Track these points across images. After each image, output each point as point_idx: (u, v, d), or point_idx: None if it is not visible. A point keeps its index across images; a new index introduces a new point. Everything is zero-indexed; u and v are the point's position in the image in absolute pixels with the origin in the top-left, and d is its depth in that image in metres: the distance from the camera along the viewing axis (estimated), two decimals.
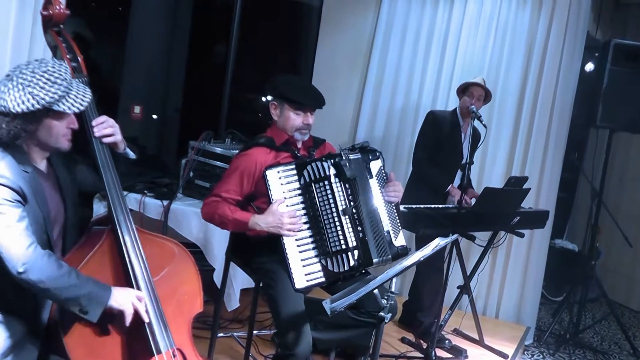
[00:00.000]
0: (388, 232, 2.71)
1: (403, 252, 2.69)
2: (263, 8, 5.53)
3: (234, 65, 4.78)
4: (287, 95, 2.79)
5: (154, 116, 6.06)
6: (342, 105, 5.04)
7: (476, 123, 3.62)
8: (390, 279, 1.99)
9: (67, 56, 2.11)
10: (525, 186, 3.82)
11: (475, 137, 3.68)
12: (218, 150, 3.94)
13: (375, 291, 2.07)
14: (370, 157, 2.77)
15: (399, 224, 2.77)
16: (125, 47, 5.82)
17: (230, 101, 4.85)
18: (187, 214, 3.75)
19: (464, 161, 3.58)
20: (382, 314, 2.11)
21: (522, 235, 3.82)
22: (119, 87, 5.82)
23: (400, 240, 2.73)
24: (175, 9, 6.09)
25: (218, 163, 3.89)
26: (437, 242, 2.07)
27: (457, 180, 3.89)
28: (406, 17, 4.85)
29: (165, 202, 3.77)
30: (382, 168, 2.81)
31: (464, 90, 3.96)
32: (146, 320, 2.04)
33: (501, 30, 4.55)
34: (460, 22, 4.66)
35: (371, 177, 2.75)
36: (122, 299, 1.97)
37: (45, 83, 1.86)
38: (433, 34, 4.74)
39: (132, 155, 2.28)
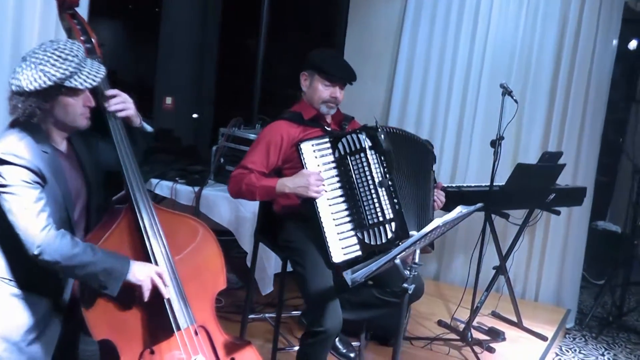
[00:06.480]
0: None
1: None
2: None
3: (264, 55, 4.79)
4: (317, 64, 2.77)
5: (195, 115, 6.16)
6: (373, 90, 4.99)
7: (507, 99, 3.53)
8: (410, 247, 1.95)
9: (81, 38, 2.14)
10: (562, 164, 3.72)
11: None
12: (247, 136, 3.95)
13: (398, 262, 2.04)
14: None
15: None
16: (158, 43, 5.93)
17: (262, 92, 4.86)
18: (218, 199, 3.78)
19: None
20: (405, 285, 2.07)
21: (558, 213, 3.72)
22: (154, 82, 5.93)
23: None
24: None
25: (248, 148, 3.89)
26: (460, 210, 2.02)
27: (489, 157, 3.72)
28: None
29: (197, 189, 3.81)
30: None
31: None
32: (166, 296, 2.05)
33: (533, 3, 4.42)
34: None
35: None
36: (141, 274, 1.99)
37: (56, 60, 1.88)
38: (464, 10, 4.62)
39: (149, 128, 2.30)
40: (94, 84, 1.95)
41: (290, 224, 2.80)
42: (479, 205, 2.13)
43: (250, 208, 3.67)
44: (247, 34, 6.02)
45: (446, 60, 4.71)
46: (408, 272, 2.06)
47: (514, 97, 3.47)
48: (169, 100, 5.03)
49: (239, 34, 6.22)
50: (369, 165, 2.53)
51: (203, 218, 3.73)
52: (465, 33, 4.63)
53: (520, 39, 4.47)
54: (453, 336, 3.74)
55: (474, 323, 3.78)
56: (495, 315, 4.15)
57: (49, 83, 1.87)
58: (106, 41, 6.02)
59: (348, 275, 1.95)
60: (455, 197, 3.39)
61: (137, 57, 6.34)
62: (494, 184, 3.46)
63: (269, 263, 3.87)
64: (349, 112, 3.07)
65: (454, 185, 3.55)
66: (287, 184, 2.58)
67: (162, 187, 3.88)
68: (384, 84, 5.00)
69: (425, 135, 4.76)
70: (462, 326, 3.79)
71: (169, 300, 2.07)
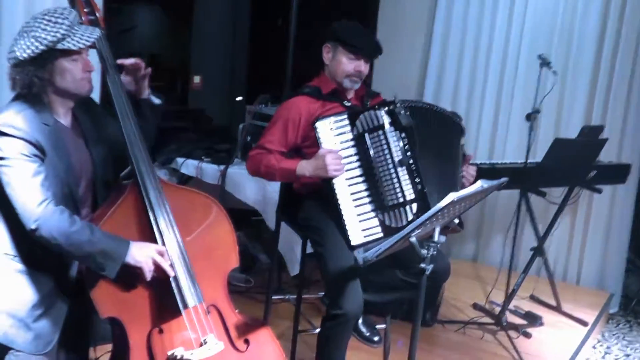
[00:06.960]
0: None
1: None
2: None
3: (296, 34, 4.68)
4: (341, 36, 2.63)
5: (239, 98, 6.17)
6: (407, 67, 4.82)
7: (546, 71, 3.33)
8: (425, 224, 1.82)
9: (85, 10, 2.09)
10: (603, 139, 3.51)
11: None
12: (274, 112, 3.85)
13: (414, 240, 1.91)
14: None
15: None
16: (192, 25, 5.95)
17: (293, 71, 4.76)
18: (244, 178, 3.68)
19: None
20: (422, 265, 1.94)
21: (599, 191, 3.51)
22: (189, 64, 5.96)
23: None
24: None
25: None
26: (480, 184, 1.88)
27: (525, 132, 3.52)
28: None
29: (222, 167, 3.74)
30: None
31: None
32: (170, 274, 1.98)
33: None
34: None
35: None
36: (140, 255, 1.92)
37: (47, 24, 1.85)
38: None
39: (157, 101, 2.23)
40: (88, 43, 1.90)
41: (309, 202, 2.70)
42: (503, 180, 1.98)
43: (277, 187, 3.57)
44: (279, 13, 5.96)
45: (483, 33, 4.52)
46: (425, 251, 1.93)
47: (552, 69, 3.27)
48: (197, 79, 4.98)
49: (270, 13, 6.18)
50: (387, 143, 2.40)
51: (229, 197, 3.67)
52: (504, 4, 4.43)
53: (562, 8, 4.23)
54: (488, 320, 3.61)
55: (511, 307, 3.64)
56: (533, 298, 3.99)
57: (42, 47, 1.83)
58: (143, 25, 6.06)
59: (360, 254, 1.84)
60: (489, 174, 3.23)
61: (173, 40, 6.39)
62: (532, 160, 3.29)
63: (298, 243, 3.79)
64: (382, 90, 2.94)
65: (487, 162, 3.37)
66: (307, 167, 2.48)
67: (188, 166, 3.83)
68: (419, 61, 4.83)
69: (462, 111, 4.59)
70: (498, 309, 3.64)
71: (175, 277, 2.01)
